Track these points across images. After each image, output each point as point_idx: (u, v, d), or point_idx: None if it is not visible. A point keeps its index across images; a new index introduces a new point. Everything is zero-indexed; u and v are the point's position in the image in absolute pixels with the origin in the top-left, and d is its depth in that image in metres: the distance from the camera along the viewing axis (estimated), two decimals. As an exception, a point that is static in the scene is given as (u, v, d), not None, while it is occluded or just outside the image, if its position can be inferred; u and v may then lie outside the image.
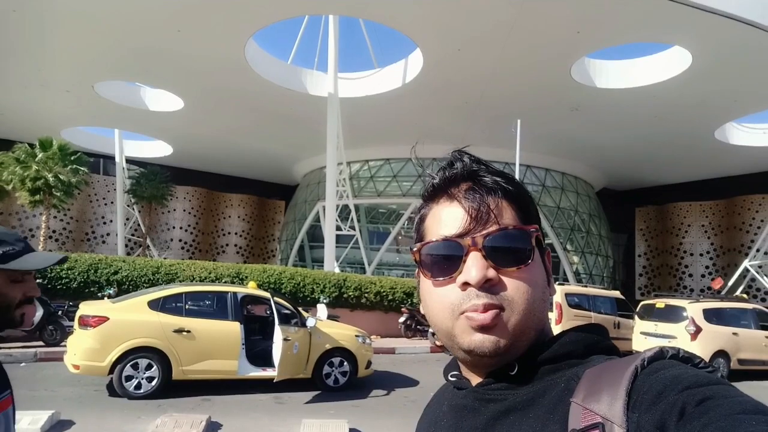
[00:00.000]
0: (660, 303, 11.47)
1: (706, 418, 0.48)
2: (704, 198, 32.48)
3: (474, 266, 0.67)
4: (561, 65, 18.19)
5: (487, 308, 0.66)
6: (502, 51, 17.39)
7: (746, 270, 24.29)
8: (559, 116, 22.60)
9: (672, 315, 10.94)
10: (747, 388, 10.24)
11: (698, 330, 10.45)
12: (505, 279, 0.68)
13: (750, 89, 19.05)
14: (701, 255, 32.91)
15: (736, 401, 0.49)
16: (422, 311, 0.78)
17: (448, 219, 0.72)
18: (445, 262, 0.70)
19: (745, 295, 16.67)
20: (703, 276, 32.47)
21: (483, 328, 0.66)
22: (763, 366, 10.93)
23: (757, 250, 24.21)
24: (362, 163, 29.90)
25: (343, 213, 22.24)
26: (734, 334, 10.87)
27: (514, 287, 0.67)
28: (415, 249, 0.75)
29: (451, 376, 0.79)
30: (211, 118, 25.28)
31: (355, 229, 22.07)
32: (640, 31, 16.17)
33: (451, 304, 0.68)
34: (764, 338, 11.16)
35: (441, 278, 0.70)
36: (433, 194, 0.77)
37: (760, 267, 24.43)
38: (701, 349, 10.40)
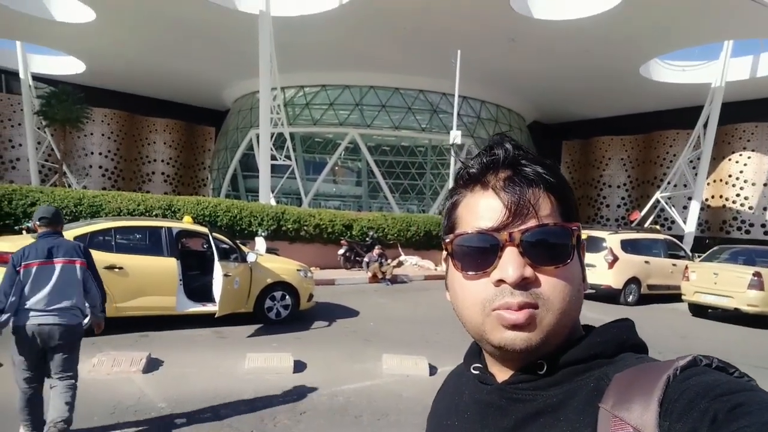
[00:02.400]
0: (583, 235, 12.26)
1: (736, 425, 0.48)
2: (625, 132, 34.33)
3: (511, 263, 0.64)
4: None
5: (521, 306, 0.64)
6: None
7: (657, 201, 26.36)
8: (497, 47, 22.56)
9: (593, 245, 11.77)
10: (653, 310, 11.44)
11: (615, 259, 11.38)
12: (541, 277, 0.65)
13: (675, 26, 19.79)
14: (618, 187, 35.26)
15: None
16: (448, 299, 0.74)
17: (484, 210, 0.68)
18: (479, 255, 0.67)
19: (658, 227, 18.17)
20: (618, 206, 34.98)
21: (515, 326, 0.64)
22: (668, 290, 12.17)
23: (668, 183, 26.22)
24: (297, 89, 28.77)
25: (278, 141, 21.56)
26: (646, 262, 11.96)
27: (551, 286, 0.65)
28: (447, 240, 0.71)
29: (474, 369, 0.76)
30: (128, 33, 23.04)
31: (290, 159, 21.54)
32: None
33: (483, 299, 0.66)
34: (671, 265, 12.38)
35: (473, 272, 0.67)
36: (468, 181, 0.72)
37: (669, 198, 26.58)
38: (616, 276, 11.39)
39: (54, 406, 3.55)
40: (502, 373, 0.72)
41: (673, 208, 26.53)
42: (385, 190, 28.73)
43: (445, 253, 0.72)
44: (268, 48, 18.46)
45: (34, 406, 3.61)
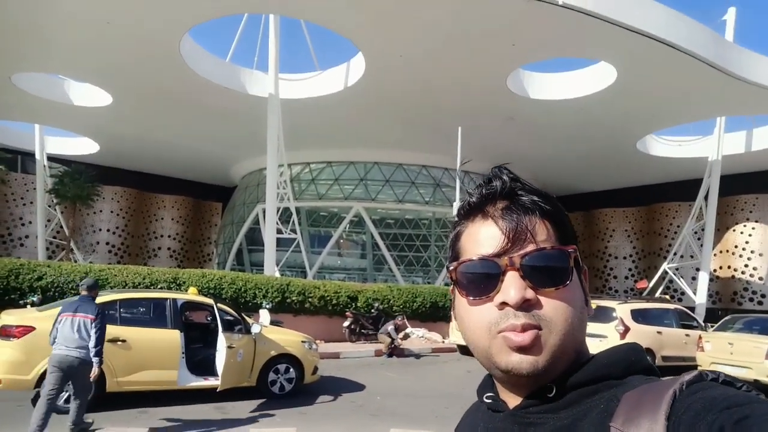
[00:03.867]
0: (592, 304, 12.06)
1: None
2: (627, 205, 34.68)
3: (512, 286, 0.67)
4: (497, 75, 18.83)
5: (525, 328, 0.66)
6: (441, 59, 17.76)
7: (665, 272, 26.11)
8: (496, 125, 23.38)
9: (602, 315, 11.54)
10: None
11: (627, 329, 11.10)
12: (542, 299, 0.68)
13: (668, 104, 20.59)
14: (624, 258, 35.07)
15: None
16: (457, 328, 0.77)
17: (484, 238, 0.72)
18: (482, 281, 0.70)
19: (668, 296, 17.89)
20: (626, 278, 34.60)
21: (521, 349, 0.66)
22: (683, 362, 11.76)
23: (675, 254, 26.11)
24: (303, 165, 29.53)
25: (284, 216, 21.86)
26: (658, 332, 11.64)
27: (553, 307, 0.68)
28: (451, 268, 0.75)
29: (487, 398, 0.78)
30: (143, 115, 24.09)
31: (296, 233, 21.72)
32: (570, 46, 17.07)
33: (488, 323, 0.68)
34: (684, 336, 12.03)
35: (477, 297, 0.70)
36: (469, 212, 0.76)
37: (677, 269, 26.35)
38: (629, 347, 11.06)
39: (71, 416, 5.57)
40: (512, 400, 0.73)
41: (681, 279, 26.21)
42: (390, 263, 28.66)
43: (451, 282, 0.76)
44: (276, 128, 19.20)
45: (49, 411, 5.29)
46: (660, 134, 26.37)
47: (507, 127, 23.42)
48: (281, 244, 21.62)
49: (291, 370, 8.02)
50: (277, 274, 18.33)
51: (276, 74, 19.36)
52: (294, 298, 13.75)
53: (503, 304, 0.67)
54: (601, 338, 11.24)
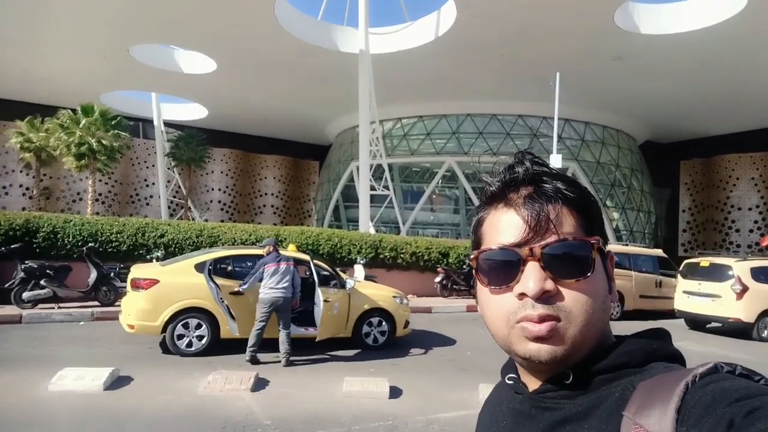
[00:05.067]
0: (704, 261, 11.16)
1: (753, 429, 0.47)
2: (755, 149, 30.88)
3: (532, 278, 0.66)
4: (603, 10, 17.24)
5: (542, 319, 0.66)
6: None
7: (798, 225, 23.25)
8: (600, 67, 21.63)
9: (717, 274, 10.65)
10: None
11: (744, 289, 10.17)
12: (563, 290, 0.67)
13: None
14: (750, 209, 31.61)
15: None
16: (479, 312, 0.78)
17: (506, 227, 0.71)
18: (502, 270, 0.69)
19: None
20: (751, 231, 31.29)
21: (539, 339, 0.66)
22: (815, 326, 10.60)
23: (812, 204, 23.07)
24: (395, 121, 29.56)
25: (377, 172, 22.24)
26: (784, 292, 10.55)
27: (573, 299, 0.67)
28: (472, 256, 0.75)
29: (508, 379, 0.79)
30: (243, 79, 25.33)
31: (389, 189, 22.07)
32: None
33: (507, 312, 0.68)
34: (816, 297, 10.79)
35: (497, 287, 0.70)
36: (492, 199, 0.75)
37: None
38: (747, 308, 10.17)
39: (281, 345, 7.01)
40: (532, 383, 0.74)
41: (819, 232, 23.20)
42: (484, 218, 28.24)
43: (473, 269, 0.76)
44: (368, 84, 19.29)
45: (260, 336, 7.02)
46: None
47: (613, 68, 21.58)
48: (375, 200, 22.12)
49: (383, 323, 8.38)
50: (372, 230, 18.90)
51: (366, 30, 19.27)
52: (386, 254, 14.15)
53: (522, 295, 0.67)
54: (714, 298, 10.44)
